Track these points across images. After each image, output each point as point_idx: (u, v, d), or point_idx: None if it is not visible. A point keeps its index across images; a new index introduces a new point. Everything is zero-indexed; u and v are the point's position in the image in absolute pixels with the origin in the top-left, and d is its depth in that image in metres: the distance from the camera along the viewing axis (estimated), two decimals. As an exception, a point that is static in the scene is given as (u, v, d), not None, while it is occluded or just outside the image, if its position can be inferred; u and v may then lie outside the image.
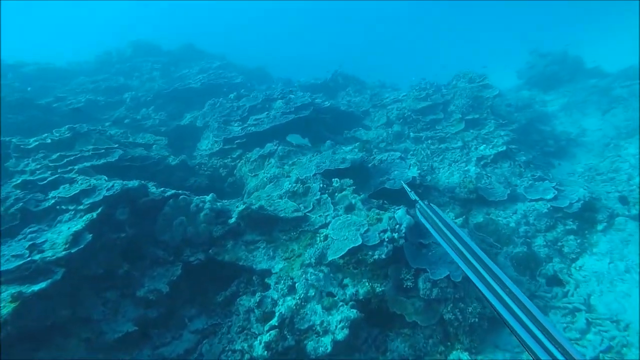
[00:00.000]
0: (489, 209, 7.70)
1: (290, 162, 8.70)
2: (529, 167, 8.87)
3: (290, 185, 7.36)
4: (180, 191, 6.62)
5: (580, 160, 12.66)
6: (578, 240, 7.09)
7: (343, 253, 5.51)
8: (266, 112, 10.17)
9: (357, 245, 5.53)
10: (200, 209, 6.32)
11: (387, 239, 5.63)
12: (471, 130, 11.45)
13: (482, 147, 9.99)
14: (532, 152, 12.11)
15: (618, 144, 12.77)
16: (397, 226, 5.83)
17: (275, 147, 9.06)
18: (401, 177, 7.58)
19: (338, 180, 7.04)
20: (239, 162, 9.55)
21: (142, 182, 6.24)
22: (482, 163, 9.24)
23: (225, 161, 9.76)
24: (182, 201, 6.35)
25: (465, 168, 8.81)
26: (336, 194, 6.92)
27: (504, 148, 9.22)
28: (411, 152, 11.01)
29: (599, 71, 18.55)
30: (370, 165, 8.38)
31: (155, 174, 8.54)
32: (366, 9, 62.10)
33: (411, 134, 11.87)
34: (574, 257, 6.91)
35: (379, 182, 7.63)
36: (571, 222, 7.31)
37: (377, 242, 5.58)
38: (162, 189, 6.49)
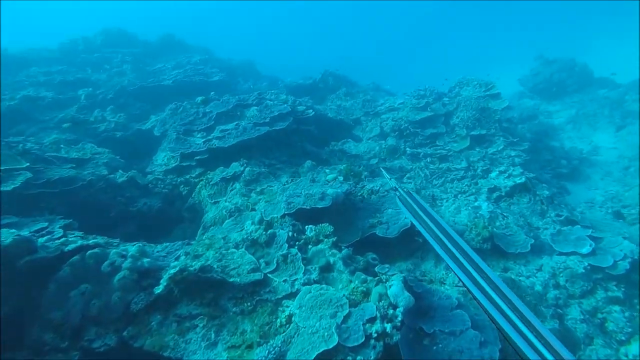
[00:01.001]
0: (507, 262, 5.84)
1: (258, 189, 6.74)
2: (552, 203, 7.01)
3: (252, 228, 5.42)
4: (91, 240, 4.65)
5: (597, 183, 10.86)
6: (626, 314, 5.27)
7: (311, 359, 3.61)
8: (236, 122, 8.17)
9: (331, 347, 3.62)
10: (116, 269, 4.36)
11: (375, 335, 3.73)
12: (477, 149, 9.56)
13: (494, 174, 8.10)
14: (544, 175, 10.29)
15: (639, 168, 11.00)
16: (391, 310, 3.93)
17: (242, 168, 7.10)
18: (396, 220, 5.68)
19: (313, 228, 5.11)
20: (199, 181, 7.59)
21: (22, 235, 4.23)
22: (495, 196, 7.37)
23: (186, 177, 7.81)
24: (92, 258, 4.38)
25: (475, 203, 6.92)
26: (310, 246, 5.00)
27: (523, 180, 7.34)
28: (407, 175, 9.10)
29: (609, 81, 16.75)
30: (358, 197, 6.48)
31: (87, 200, 6.57)
32: (366, 10, 59.09)
33: (408, 149, 9.96)
34: (623, 338, 5.09)
35: (367, 226, 5.72)
36: (615, 287, 5.48)
37: (360, 340, 3.67)
38: (62, 239, 4.50)
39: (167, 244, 5.49)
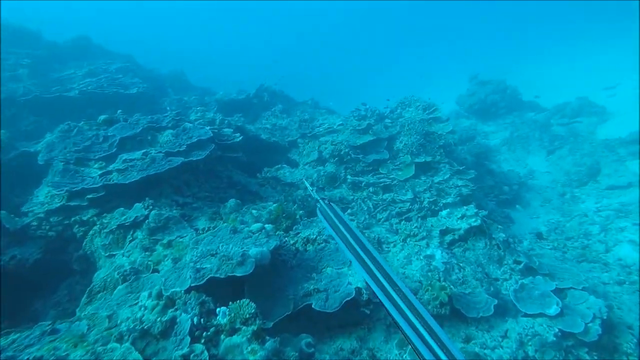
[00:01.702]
0: (469, 328, 4.81)
1: (165, 241, 5.20)
2: (509, 247, 6.18)
3: (149, 303, 3.91)
4: None
5: (537, 210, 10.49)
6: (604, 392, 4.45)
7: None
8: (145, 149, 6.54)
9: None
10: None
11: None
12: (423, 178, 8.68)
13: (444, 213, 7.15)
14: (489, 204, 9.68)
15: (574, 194, 10.78)
16: None
17: (147, 212, 5.52)
18: (338, 285, 4.46)
19: (227, 311, 3.71)
20: (93, 224, 5.88)
21: None
22: (448, 239, 6.40)
23: (77, 218, 6.05)
24: None
25: (428, 251, 5.89)
26: (222, 337, 3.61)
27: (478, 222, 6.45)
28: (349, 207, 7.97)
29: (535, 104, 17.04)
30: (290, 252, 5.17)
31: None
32: (309, 21, 56.50)
33: (349, 177, 8.85)
34: None
35: (301, 294, 4.41)
36: (587, 355, 4.66)
37: None
38: None
39: (18, 335, 3.80)
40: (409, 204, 8.08)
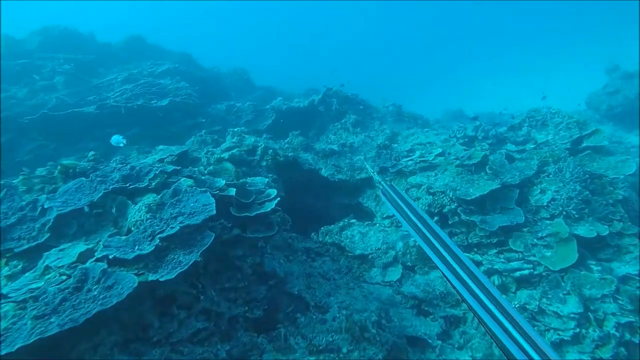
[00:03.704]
0: None
1: None
2: None
3: None
4: None
5: None
6: None
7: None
8: (95, 242, 3.44)
9: None
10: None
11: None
12: (594, 266, 4.62)
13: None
14: None
15: None
16: None
17: None
18: None
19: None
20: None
21: None
22: None
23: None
24: None
25: None
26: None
27: None
28: (460, 324, 4.29)
29: None
30: None
31: None
32: (370, 14, 50.05)
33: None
34: None
35: None
36: None
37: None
38: None
39: None
40: (574, 325, 4.14)
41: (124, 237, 3.33)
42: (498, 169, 5.94)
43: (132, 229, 3.52)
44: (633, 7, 26.09)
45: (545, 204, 5.25)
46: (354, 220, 5.98)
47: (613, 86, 11.96)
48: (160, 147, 7.25)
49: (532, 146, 6.60)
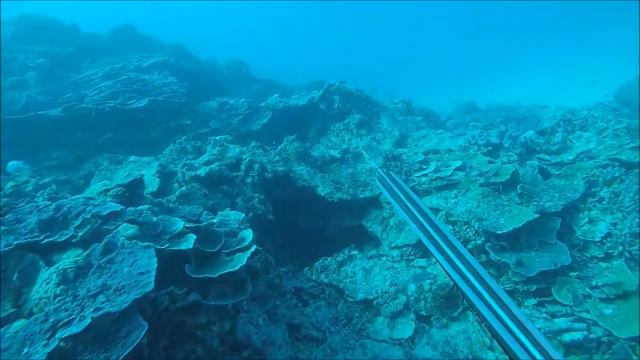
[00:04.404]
0: None
1: None
2: None
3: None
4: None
5: None
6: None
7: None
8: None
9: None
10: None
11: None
12: (668, 330, 3.47)
13: None
14: None
15: None
16: None
17: None
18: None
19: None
20: None
21: None
22: None
23: None
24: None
25: None
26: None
27: None
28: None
29: None
30: None
31: None
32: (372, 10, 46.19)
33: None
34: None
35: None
36: None
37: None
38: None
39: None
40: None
41: (11, 330, 2.22)
42: (531, 188, 4.73)
43: (35, 310, 2.41)
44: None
45: (597, 239, 4.04)
46: (355, 252, 4.82)
47: (648, 78, 10.49)
48: (132, 158, 6.13)
49: (571, 157, 5.34)
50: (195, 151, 6.50)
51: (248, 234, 3.41)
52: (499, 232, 4.12)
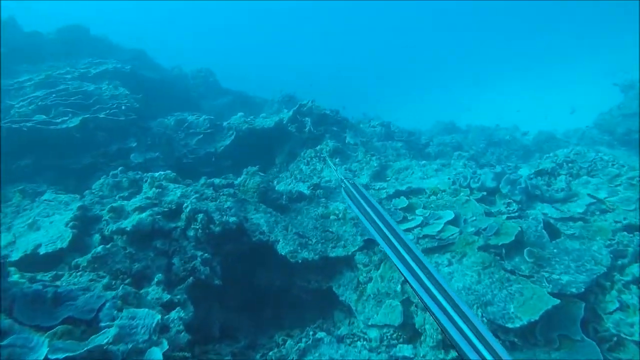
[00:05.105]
0: None
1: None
2: None
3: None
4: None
5: None
6: None
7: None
8: None
9: None
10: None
11: None
12: None
13: None
14: None
15: None
16: None
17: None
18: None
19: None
20: None
21: None
22: None
23: None
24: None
25: None
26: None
27: None
28: None
29: None
30: None
31: None
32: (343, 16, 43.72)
33: None
34: None
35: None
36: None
37: None
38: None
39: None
40: None
41: None
42: (540, 252, 3.74)
43: None
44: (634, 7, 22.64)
45: (636, 337, 3.05)
46: (322, 334, 3.67)
47: (630, 107, 9.92)
48: (46, 196, 4.74)
49: (580, 210, 4.40)
50: (133, 186, 5.16)
51: (156, 353, 2.19)
52: (510, 325, 3.07)
